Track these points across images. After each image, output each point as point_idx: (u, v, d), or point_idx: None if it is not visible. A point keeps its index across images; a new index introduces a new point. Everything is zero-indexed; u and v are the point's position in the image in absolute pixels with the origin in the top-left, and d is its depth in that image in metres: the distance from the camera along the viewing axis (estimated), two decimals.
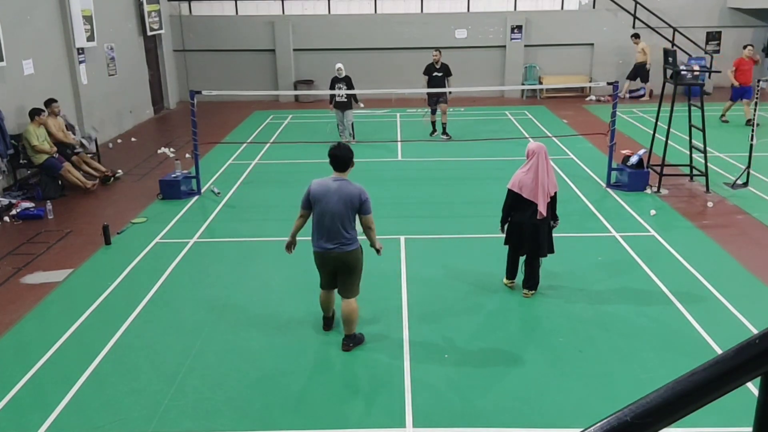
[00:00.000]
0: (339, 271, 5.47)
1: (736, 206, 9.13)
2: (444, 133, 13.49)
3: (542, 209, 6.14)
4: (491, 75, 18.83)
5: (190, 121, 10.17)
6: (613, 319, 6.05)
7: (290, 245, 5.70)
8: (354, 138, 13.26)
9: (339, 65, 13.23)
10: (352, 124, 13.40)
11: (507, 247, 6.57)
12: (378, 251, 5.60)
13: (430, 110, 13.78)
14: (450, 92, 13.93)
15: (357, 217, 5.37)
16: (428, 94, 13.51)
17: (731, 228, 8.37)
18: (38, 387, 5.14)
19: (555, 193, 6.31)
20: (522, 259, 6.56)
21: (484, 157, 11.90)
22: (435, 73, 13.34)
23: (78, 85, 12.83)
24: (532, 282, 6.49)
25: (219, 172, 11.32)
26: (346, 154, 5.40)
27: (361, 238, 5.50)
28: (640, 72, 17.88)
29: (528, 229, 6.25)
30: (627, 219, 8.67)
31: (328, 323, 5.92)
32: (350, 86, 12.94)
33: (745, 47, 15.11)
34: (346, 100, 13.10)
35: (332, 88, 13.12)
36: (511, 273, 6.67)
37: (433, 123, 13.78)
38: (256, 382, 5.17)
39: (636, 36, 17.85)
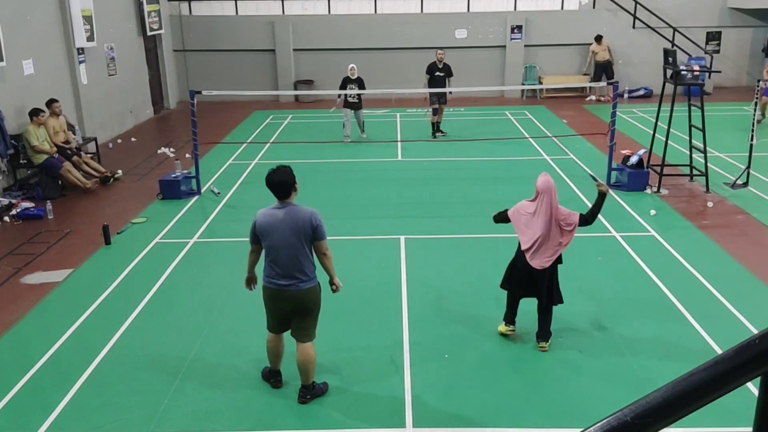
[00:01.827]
0: (295, 311, 4.77)
1: (736, 206, 9.13)
2: (439, 131, 13.64)
3: (537, 264, 5.29)
4: (491, 75, 18.83)
5: (190, 121, 10.17)
6: (613, 319, 6.05)
7: (250, 281, 5.06)
8: (364, 132, 13.48)
9: (352, 66, 13.32)
10: (363, 122, 13.57)
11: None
12: (335, 289, 4.92)
13: (431, 110, 13.78)
14: (450, 92, 13.98)
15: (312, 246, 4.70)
16: (430, 93, 13.53)
17: (731, 228, 8.37)
18: (38, 387, 5.14)
19: (573, 225, 5.33)
20: (528, 305, 5.64)
21: (484, 157, 11.90)
22: (437, 73, 13.39)
23: (78, 85, 12.83)
24: (543, 332, 5.55)
25: (219, 172, 11.32)
26: (285, 179, 4.63)
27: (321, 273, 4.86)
28: (606, 70, 17.88)
29: (522, 271, 5.42)
30: (627, 219, 8.67)
31: (277, 379, 5.09)
32: (362, 87, 13.07)
33: None
34: (357, 100, 13.19)
35: (343, 88, 13.16)
36: (508, 317, 5.72)
37: (435, 124, 13.79)
38: (256, 382, 5.17)
39: (599, 38, 17.85)
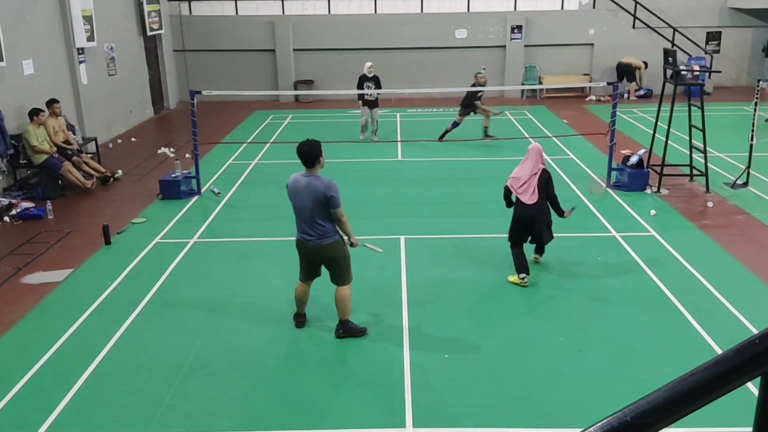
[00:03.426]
0: (323, 262, 5.64)
1: (736, 206, 9.13)
2: (488, 135, 13.30)
3: (526, 199, 6.68)
4: (491, 75, 18.75)
5: (190, 121, 10.17)
6: (613, 319, 6.05)
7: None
8: (376, 135, 13.40)
9: (368, 64, 13.28)
10: (377, 122, 13.51)
11: (510, 243, 6.90)
12: (352, 244, 5.68)
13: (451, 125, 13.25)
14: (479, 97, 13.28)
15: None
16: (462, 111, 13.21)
17: (731, 228, 8.37)
18: (38, 387, 5.14)
19: (543, 170, 6.72)
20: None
21: (483, 157, 11.90)
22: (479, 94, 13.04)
23: (78, 85, 12.83)
24: (539, 249, 7.17)
25: (219, 172, 11.33)
26: (312, 150, 5.41)
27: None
28: (627, 73, 17.99)
29: (520, 217, 6.76)
30: (627, 219, 8.67)
31: (299, 320, 5.97)
32: (378, 85, 13.07)
33: None
34: (374, 98, 13.18)
35: (360, 86, 13.16)
36: (522, 266, 6.74)
37: (485, 128, 13.36)
38: (256, 382, 5.17)
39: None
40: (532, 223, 6.71)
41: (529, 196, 6.66)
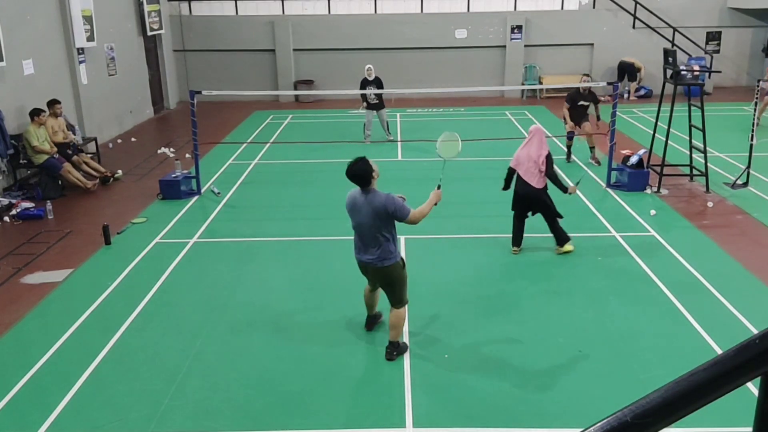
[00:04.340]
0: (379, 283, 5.47)
1: (736, 206, 9.13)
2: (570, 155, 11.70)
3: (533, 182, 7.16)
4: (491, 75, 18.84)
5: (190, 121, 10.17)
6: (613, 319, 6.06)
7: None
8: (389, 134, 13.40)
9: (369, 66, 13.22)
10: (387, 122, 13.45)
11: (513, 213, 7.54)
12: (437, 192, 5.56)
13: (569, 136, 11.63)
14: (598, 120, 11.37)
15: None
16: (572, 117, 11.29)
17: (731, 228, 8.37)
18: (38, 387, 5.14)
19: (547, 156, 7.15)
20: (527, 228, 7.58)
21: (484, 157, 11.90)
22: (581, 102, 11.23)
23: (78, 85, 12.83)
24: (558, 238, 7.42)
25: (219, 172, 11.32)
26: (363, 169, 5.08)
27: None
28: (629, 72, 18.06)
29: (521, 195, 7.31)
30: (627, 219, 8.67)
31: (368, 322, 5.93)
32: (380, 87, 13.00)
33: None
34: (377, 101, 13.12)
35: (363, 89, 13.13)
36: (516, 240, 7.49)
37: (569, 148, 11.73)
38: (256, 382, 5.17)
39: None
40: (532, 202, 7.28)
41: (537, 180, 7.15)
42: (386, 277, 5.30)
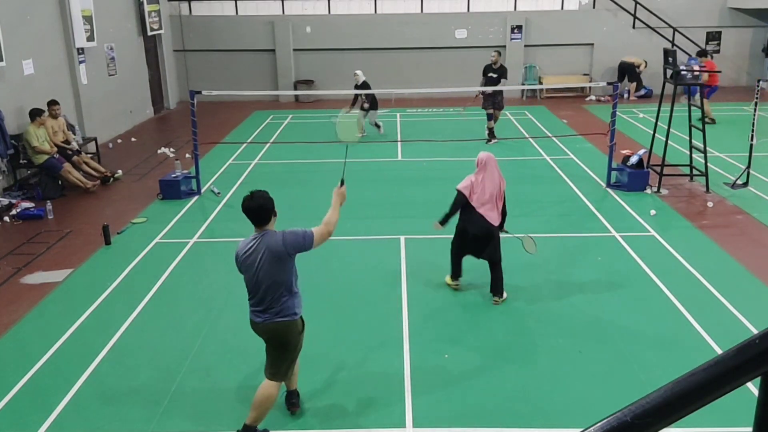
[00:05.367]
0: (270, 343, 4.38)
1: (736, 206, 9.12)
2: (494, 136, 12.88)
3: (493, 219, 6.18)
4: None
5: (190, 121, 10.17)
6: (613, 319, 6.05)
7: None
8: (381, 129, 13.76)
9: (357, 72, 13.49)
10: (377, 124, 13.83)
11: (451, 248, 6.61)
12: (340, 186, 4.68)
13: (486, 114, 13.05)
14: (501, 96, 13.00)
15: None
16: (484, 97, 12.93)
17: (731, 228, 8.37)
18: (38, 387, 5.14)
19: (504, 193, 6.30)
20: (473, 262, 6.56)
21: None
22: (491, 74, 12.84)
23: (78, 85, 12.83)
24: (497, 288, 6.36)
25: (219, 172, 11.32)
26: (262, 203, 4.23)
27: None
28: (629, 73, 18.00)
29: (478, 236, 6.23)
30: (627, 219, 8.67)
31: (290, 401, 4.78)
32: (367, 88, 13.15)
33: None
34: (367, 105, 13.37)
35: (354, 96, 13.47)
36: (455, 273, 6.64)
37: (491, 130, 12.97)
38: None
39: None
40: (487, 241, 6.22)
41: (497, 216, 6.20)
42: (280, 336, 4.29)
